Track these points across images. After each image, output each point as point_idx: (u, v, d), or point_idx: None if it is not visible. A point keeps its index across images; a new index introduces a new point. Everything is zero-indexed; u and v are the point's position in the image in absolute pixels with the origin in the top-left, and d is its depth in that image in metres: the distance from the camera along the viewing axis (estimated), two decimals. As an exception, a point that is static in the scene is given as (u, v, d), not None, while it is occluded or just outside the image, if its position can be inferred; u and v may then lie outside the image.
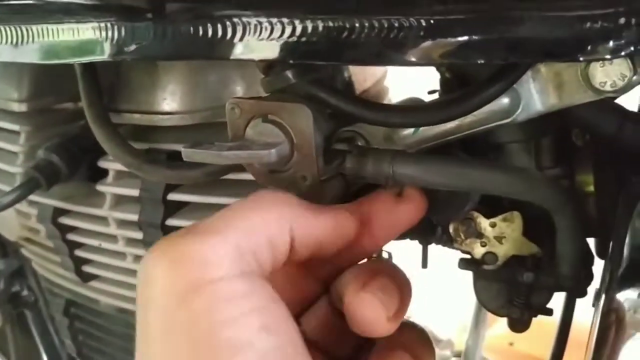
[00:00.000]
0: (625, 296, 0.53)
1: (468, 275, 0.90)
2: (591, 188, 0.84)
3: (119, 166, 0.98)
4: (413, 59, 0.54)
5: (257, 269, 0.53)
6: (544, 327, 1.01)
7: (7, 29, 0.70)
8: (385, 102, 1.12)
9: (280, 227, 0.56)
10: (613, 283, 0.55)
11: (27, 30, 0.68)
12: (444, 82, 0.86)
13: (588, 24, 0.50)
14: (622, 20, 0.49)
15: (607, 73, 0.65)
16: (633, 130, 0.75)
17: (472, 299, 0.93)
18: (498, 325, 2.08)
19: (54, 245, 1.13)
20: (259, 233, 0.54)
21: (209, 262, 0.50)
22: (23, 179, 1.03)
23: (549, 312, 0.89)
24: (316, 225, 0.59)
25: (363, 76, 1.02)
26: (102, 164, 1.01)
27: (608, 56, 0.51)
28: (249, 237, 0.53)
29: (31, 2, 0.68)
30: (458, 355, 1.80)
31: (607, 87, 0.66)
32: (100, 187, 1.01)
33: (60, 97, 1.08)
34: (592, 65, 0.65)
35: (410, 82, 1.15)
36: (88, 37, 0.64)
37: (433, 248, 1.04)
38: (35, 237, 1.18)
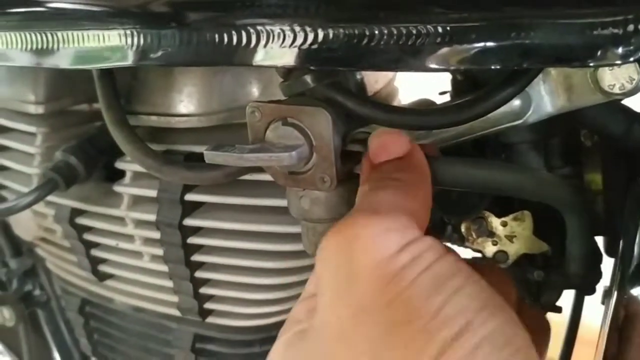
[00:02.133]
0: (638, 292, 0.54)
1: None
2: (600, 187, 0.86)
3: (136, 167, 0.99)
4: (430, 65, 0.55)
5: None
6: (552, 325, 1.02)
7: (32, 35, 0.71)
8: (396, 102, 1.13)
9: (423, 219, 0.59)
10: (624, 281, 0.57)
11: (52, 35, 0.70)
12: (455, 83, 0.87)
13: (598, 31, 0.51)
14: (631, 27, 0.50)
15: (615, 76, 0.67)
16: (640, 131, 0.76)
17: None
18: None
19: (70, 245, 1.15)
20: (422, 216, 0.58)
21: (407, 229, 0.54)
22: (39, 180, 1.05)
23: (559, 310, 0.91)
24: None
25: (374, 78, 1.03)
26: (120, 165, 1.03)
27: (618, 62, 0.52)
28: (408, 219, 0.56)
29: (56, 9, 0.69)
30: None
31: (616, 90, 0.67)
32: (117, 188, 1.03)
33: (76, 99, 1.10)
34: (601, 69, 0.67)
35: (420, 83, 1.16)
36: (114, 43, 0.66)
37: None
38: (51, 237, 1.20)
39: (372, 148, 0.63)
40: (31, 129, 1.09)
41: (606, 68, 0.67)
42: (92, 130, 1.06)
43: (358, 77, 0.97)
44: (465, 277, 0.52)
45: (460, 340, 0.47)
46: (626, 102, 0.77)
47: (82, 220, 1.10)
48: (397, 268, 0.51)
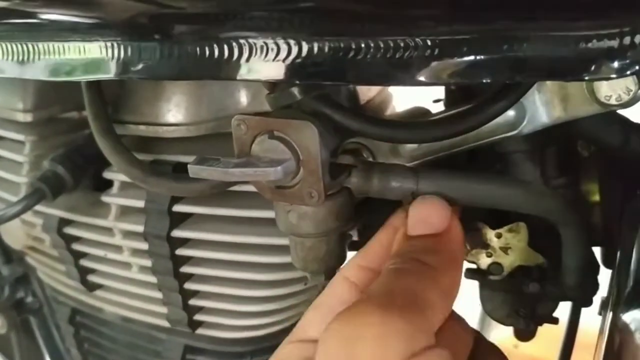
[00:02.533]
0: (632, 317, 0.53)
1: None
2: (597, 197, 0.85)
3: (124, 177, 0.98)
4: (419, 79, 0.53)
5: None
6: (549, 330, 1.01)
7: (14, 45, 0.70)
8: (389, 110, 1.12)
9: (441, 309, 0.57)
10: (620, 303, 0.55)
11: (33, 47, 0.68)
12: (449, 92, 0.86)
13: (593, 43, 0.49)
14: (627, 40, 0.49)
15: (612, 87, 0.65)
16: (637, 142, 0.75)
17: (477, 303, 0.93)
18: (503, 328, 2.07)
19: (59, 254, 1.14)
20: (439, 313, 0.56)
21: (416, 334, 0.51)
22: (28, 188, 1.04)
23: (555, 321, 0.90)
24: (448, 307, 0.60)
25: (367, 86, 1.02)
26: (107, 174, 1.02)
27: (613, 75, 0.51)
28: (436, 316, 0.55)
29: (38, 20, 0.68)
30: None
31: (613, 101, 0.66)
32: (105, 198, 1.02)
33: (65, 106, 1.09)
34: (597, 79, 0.65)
35: (414, 90, 1.15)
36: (94, 55, 0.64)
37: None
38: (40, 246, 1.19)
39: (412, 218, 0.61)
40: (20, 137, 1.09)
41: (603, 79, 0.65)
42: (80, 139, 1.06)
43: (350, 86, 0.96)
44: None
45: None
46: (624, 112, 0.76)
47: (70, 230, 1.09)
48: None
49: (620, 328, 0.53)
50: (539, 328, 0.92)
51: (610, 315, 0.58)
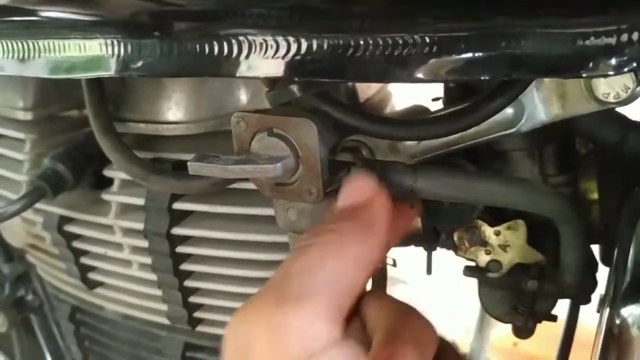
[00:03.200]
0: (629, 311, 0.53)
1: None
2: (595, 195, 0.85)
3: (124, 175, 0.99)
4: (417, 76, 0.54)
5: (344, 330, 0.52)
6: (548, 328, 1.02)
7: (14, 43, 0.70)
8: (389, 108, 1.12)
9: (354, 277, 0.54)
10: (617, 298, 0.56)
11: (33, 45, 0.69)
12: (448, 90, 0.86)
13: (590, 41, 0.50)
14: (624, 37, 0.49)
15: (610, 84, 0.66)
16: (636, 140, 0.75)
17: (476, 301, 0.93)
18: (502, 326, 2.08)
19: (59, 252, 1.14)
20: (343, 289, 0.53)
21: (313, 333, 0.49)
22: (28, 186, 1.04)
23: (554, 319, 0.90)
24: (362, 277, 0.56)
25: (367, 84, 1.02)
26: (108, 172, 1.02)
27: (611, 72, 0.51)
28: (336, 299, 0.52)
29: (38, 17, 0.68)
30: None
31: (611, 99, 0.66)
32: (105, 196, 1.02)
33: (65, 105, 1.09)
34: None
35: (413, 88, 1.15)
36: (94, 53, 0.64)
37: (438, 250, 1.04)
38: (40, 244, 1.19)
39: (340, 193, 0.60)
40: (20, 135, 1.09)
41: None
42: (81, 137, 1.06)
43: (349, 83, 0.96)
44: None
45: None
46: (623, 110, 0.76)
47: (70, 228, 1.10)
48: None
49: (617, 323, 0.53)
50: (538, 326, 0.93)
51: (607, 310, 0.58)
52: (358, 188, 0.59)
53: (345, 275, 0.53)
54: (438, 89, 0.93)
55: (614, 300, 0.57)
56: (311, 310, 0.50)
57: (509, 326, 0.95)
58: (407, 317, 0.58)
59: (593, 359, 0.59)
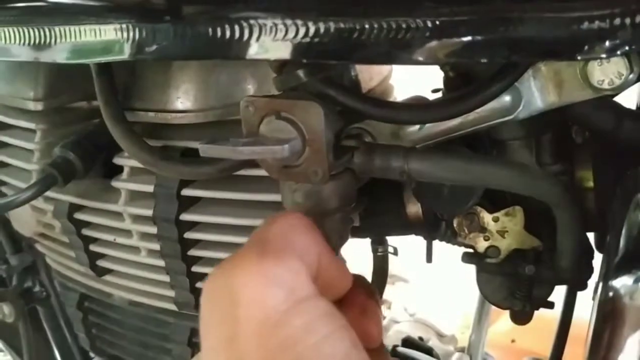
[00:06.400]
0: (621, 282, 0.55)
1: (471, 273, 0.93)
2: (591, 184, 0.87)
3: (133, 163, 1.01)
4: (419, 58, 0.56)
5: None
6: (546, 323, 1.03)
7: (30, 30, 0.72)
8: (391, 99, 1.14)
9: (318, 250, 0.58)
10: (610, 271, 0.58)
11: (49, 30, 0.71)
12: (447, 80, 0.88)
13: (585, 25, 0.52)
14: (617, 21, 0.51)
15: (604, 71, 0.68)
16: (630, 128, 0.77)
17: (475, 296, 0.95)
18: (501, 322, 2.09)
19: (69, 240, 1.16)
20: (314, 258, 0.57)
21: (296, 283, 0.53)
22: (39, 176, 1.05)
23: (551, 306, 0.92)
24: (334, 262, 0.61)
25: (369, 75, 1.04)
26: (118, 160, 1.04)
27: (604, 55, 0.53)
28: (310, 263, 0.56)
29: (53, 4, 0.71)
30: (461, 350, 1.81)
31: (605, 85, 0.68)
32: (115, 184, 1.04)
33: (74, 96, 1.10)
34: (590, 64, 0.68)
35: (415, 81, 1.17)
36: (110, 37, 0.66)
37: (437, 246, 1.06)
38: (50, 232, 1.21)
39: None
40: (30, 125, 1.11)
41: (595, 64, 0.67)
42: (90, 127, 1.07)
43: (352, 74, 0.98)
44: (338, 315, 0.53)
45: None
46: (619, 99, 0.78)
47: (80, 216, 1.11)
48: (285, 333, 0.51)
49: (610, 294, 0.55)
50: (536, 322, 0.94)
51: (600, 287, 0.60)
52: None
53: (315, 246, 0.58)
54: (438, 80, 0.95)
55: (607, 273, 0.59)
56: (293, 265, 0.54)
57: (507, 322, 0.97)
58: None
59: (588, 336, 0.60)
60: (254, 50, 0.60)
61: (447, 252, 1.06)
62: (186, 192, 0.99)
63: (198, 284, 1.06)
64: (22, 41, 0.74)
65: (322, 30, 0.57)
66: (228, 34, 0.60)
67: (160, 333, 1.18)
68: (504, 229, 0.86)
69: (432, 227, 1.00)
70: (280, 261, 0.53)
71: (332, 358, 0.50)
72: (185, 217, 1.00)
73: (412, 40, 0.56)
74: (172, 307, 1.12)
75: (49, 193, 1.06)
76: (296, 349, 0.50)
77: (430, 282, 2.49)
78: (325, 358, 0.50)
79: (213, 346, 0.53)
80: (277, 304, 0.51)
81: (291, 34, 0.58)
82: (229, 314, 0.52)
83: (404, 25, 0.55)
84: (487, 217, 0.86)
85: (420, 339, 1.79)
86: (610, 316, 0.56)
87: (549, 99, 0.73)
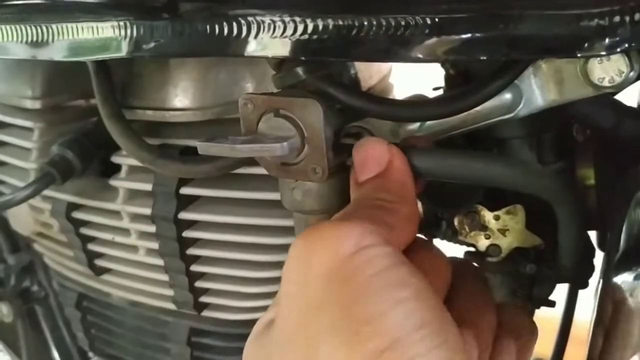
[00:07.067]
0: (622, 279, 0.55)
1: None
2: (592, 182, 0.86)
3: (132, 161, 1.00)
4: (419, 56, 0.56)
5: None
6: (547, 324, 1.03)
7: (27, 27, 0.72)
8: (390, 97, 1.14)
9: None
10: (610, 269, 0.57)
11: (47, 28, 0.70)
12: (448, 78, 0.88)
13: (584, 22, 0.52)
14: (616, 19, 0.51)
15: (605, 69, 0.67)
16: (631, 126, 0.77)
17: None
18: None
19: (67, 239, 1.15)
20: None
21: (365, 234, 0.54)
22: (37, 174, 1.05)
23: (552, 304, 0.91)
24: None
25: (369, 73, 1.04)
26: (115, 159, 1.04)
27: (604, 52, 0.53)
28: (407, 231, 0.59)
29: (51, 1, 0.70)
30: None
31: (606, 83, 0.68)
32: (113, 182, 1.04)
33: (72, 95, 1.10)
34: (590, 62, 0.67)
35: (415, 79, 1.17)
36: (107, 35, 0.66)
37: (437, 245, 1.06)
38: (48, 231, 1.21)
39: (355, 166, 0.65)
40: (28, 124, 1.10)
41: (596, 61, 0.67)
42: (88, 126, 1.07)
43: (352, 72, 0.98)
44: (412, 291, 0.52)
45: (391, 354, 0.48)
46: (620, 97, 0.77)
47: (78, 215, 1.11)
48: (349, 269, 0.52)
49: (611, 292, 0.55)
50: (538, 323, 0.94)
51: (600, 285, 0.60)
52: (372, 157, 0.63)
53: (396, 227, 0.59)
54: (439, 79, 0.95)
55: (608, 271, 0.58)
56: (347, 225, 0.55)
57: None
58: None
59: (589, 339, 0.60)
60: (252, 48, 0.60)
61: (447, 251, 1.06)
62: (185, 190, 0.98)
63: (197, 283, 1.06)
64: (20, 39, 0.73)
65: (320, 27, 0.57)
66: (226, 31, 0.60)
67: (158, 332, 1.18)
68: (505, 228, 0.86)
69: (433, 226, 0.99)
70: (359, 221, 0.56)
71: (387, 287, 0.51)
72: (184, 215, 0.99)
73: (411, 38, 0.55)
74: (171, 306, 1.11)
75: (46, 192, 1.05)
76: (356, 280, 0.52)
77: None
78: (382, 287, 0.51)
79: (287, 291, 0.56)
80: (345, 250, 0.53)
81: (289, 31, 0.58)
82: (304, 263, 0.55)
83: (402, 23, 0.55)
84: (488, 216, 0.86)
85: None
86: (612, 316, 0.56)
87: (550, 97, 0.72)
